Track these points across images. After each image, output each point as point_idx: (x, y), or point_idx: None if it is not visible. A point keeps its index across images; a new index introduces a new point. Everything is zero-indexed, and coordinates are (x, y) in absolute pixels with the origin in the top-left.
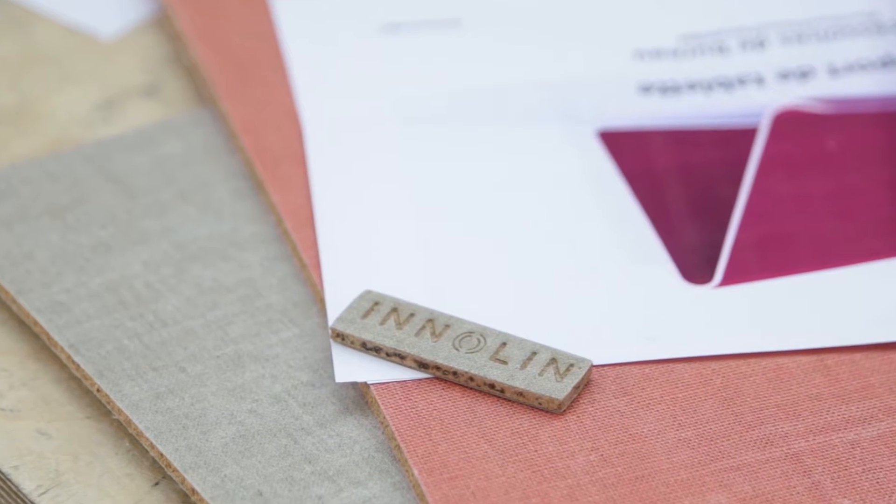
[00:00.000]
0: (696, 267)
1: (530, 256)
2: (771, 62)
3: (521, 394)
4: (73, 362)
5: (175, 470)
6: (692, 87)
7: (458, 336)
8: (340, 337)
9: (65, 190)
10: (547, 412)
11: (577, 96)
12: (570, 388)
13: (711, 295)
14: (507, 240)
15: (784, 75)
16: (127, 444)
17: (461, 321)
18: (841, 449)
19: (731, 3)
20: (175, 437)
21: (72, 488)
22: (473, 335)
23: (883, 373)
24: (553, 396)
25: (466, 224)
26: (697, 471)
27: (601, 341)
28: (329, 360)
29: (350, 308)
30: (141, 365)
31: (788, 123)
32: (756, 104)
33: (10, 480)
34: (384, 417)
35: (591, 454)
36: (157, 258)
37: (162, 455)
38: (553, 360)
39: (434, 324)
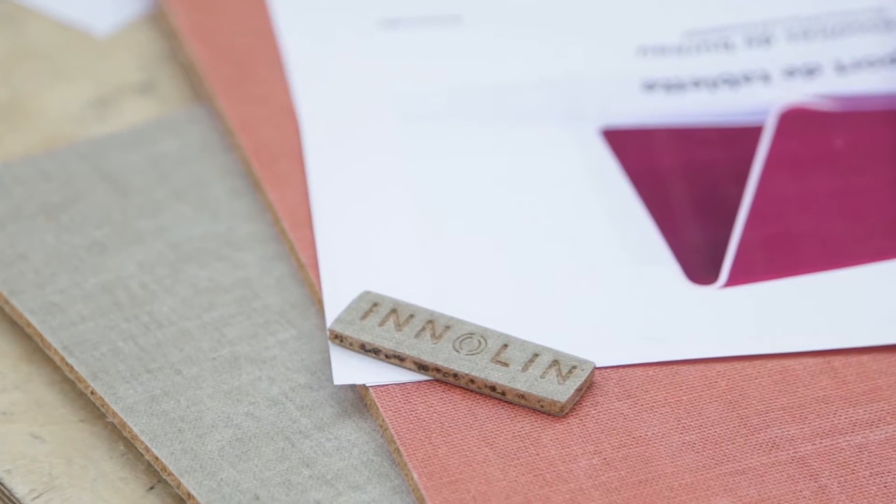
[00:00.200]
0: (700, 267)
1: (532, 256)
2: (777, 59)
3: (522, 396)
4: (67, 364)
5: (170, 474)
6: (697, 84)
7: (458, 337)
8: (339, 338)
9: (58, 189)
10: (549, 415)
11: (580, 93)
12: (572, 391)
13: (716, 296)
14: (508, 239)
15: (790, 72)
16: (121, 447)
17: (462, 322)
18: (848, 452)
19: None
20: (170, 441)
21: (65, 492)
22: (474, 337)
23: (891, 375)
24: (555, 399)
25: (467, 223)
26: (702, 475)
27: (604, 343)
28: (327, 362)
29: (349, 309)
30: (136, 367)
31: (795, 121)
32: (762, 102)
33: (2, 484)
34: (383, 420)
35: (593, 458)
36: (153, 258)
37: (157, 459)
38: (555, 362)
39: (434, 325)
